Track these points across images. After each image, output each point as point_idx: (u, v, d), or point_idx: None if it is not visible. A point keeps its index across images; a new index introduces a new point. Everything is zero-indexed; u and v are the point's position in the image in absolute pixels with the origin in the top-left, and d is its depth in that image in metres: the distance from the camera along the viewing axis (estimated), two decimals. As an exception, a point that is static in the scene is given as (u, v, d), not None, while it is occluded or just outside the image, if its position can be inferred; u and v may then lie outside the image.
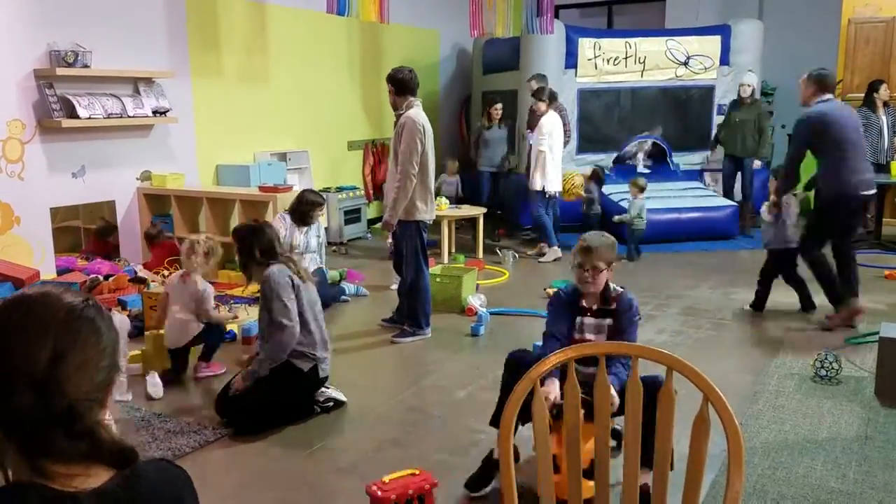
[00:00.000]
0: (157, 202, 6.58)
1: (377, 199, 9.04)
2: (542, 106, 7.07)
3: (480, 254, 7.44)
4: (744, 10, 10.15)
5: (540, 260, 7.28)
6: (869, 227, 8.06)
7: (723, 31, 8.82)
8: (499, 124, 8.56)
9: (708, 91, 8.87)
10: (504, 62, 9.07)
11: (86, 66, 5.75)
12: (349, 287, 6.04)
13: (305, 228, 5.77)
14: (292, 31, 7.79)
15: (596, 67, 8.59)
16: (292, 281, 3.68)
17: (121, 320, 4.39)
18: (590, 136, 8.67)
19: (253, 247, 3.76)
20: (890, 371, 3.87)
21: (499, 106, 8.44)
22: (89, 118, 5.75)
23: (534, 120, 7.36)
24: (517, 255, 7.37)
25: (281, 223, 5.67)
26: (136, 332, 4.76)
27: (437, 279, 5.68)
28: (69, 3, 5.74)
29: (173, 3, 6.56)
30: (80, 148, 5.96)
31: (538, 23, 7.52)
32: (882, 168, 7.94)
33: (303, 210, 5.73)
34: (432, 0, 9.82)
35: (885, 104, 7.99)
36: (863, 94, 8.08)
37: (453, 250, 7.49)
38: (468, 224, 7.99)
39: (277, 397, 3.59)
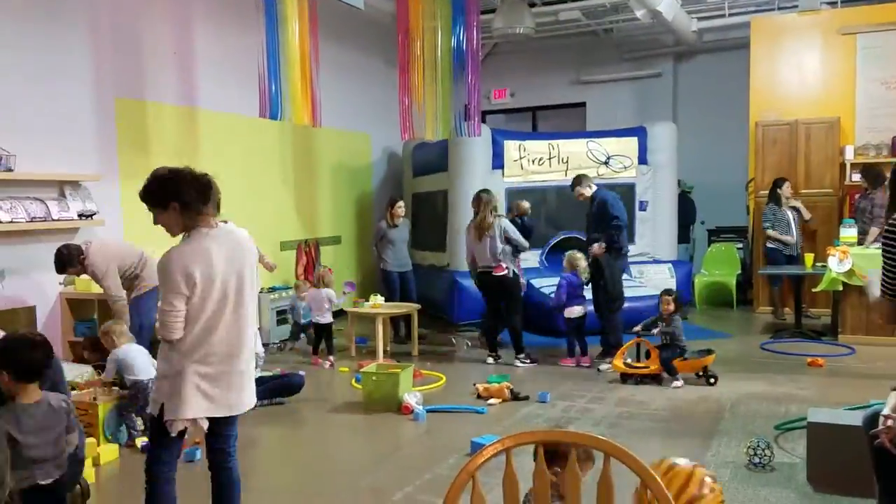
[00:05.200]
0: (80, 307, 6.37)
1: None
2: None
3: (416, 351, 7.40)
4: (658, 113, 10.81)
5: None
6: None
7: (638, 132, 9.30)
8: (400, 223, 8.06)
9: (629, 189, 9.25)
10: (433, 164, 9.32)
11: (9, 170, 5.64)
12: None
13: None
14: (224, 135, 7.85)
15: (522, 168, 8.91)
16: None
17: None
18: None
19: None
20: (820, 456, 3.94)
21: (401, 204, 8.05)
22: (11, 222, 5.60)
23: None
24: (469, 343, 7.45)
25: None
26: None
27: (373, 377, 5.61)
28: (-6, 106, 5.70)
29: (102, 107, 6.57)
30: (1, 252, 5.77)
31: (466, 127, 7.81)
32: (793, 259, 8.37)
33: None
34: (363, 105, 10.09)
35: (789, 200, 8.51)
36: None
37: (388, 348, 7.42)
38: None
39: None
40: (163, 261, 2.87)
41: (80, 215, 6.19)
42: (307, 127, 7.55)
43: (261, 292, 7.94)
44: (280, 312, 8.06)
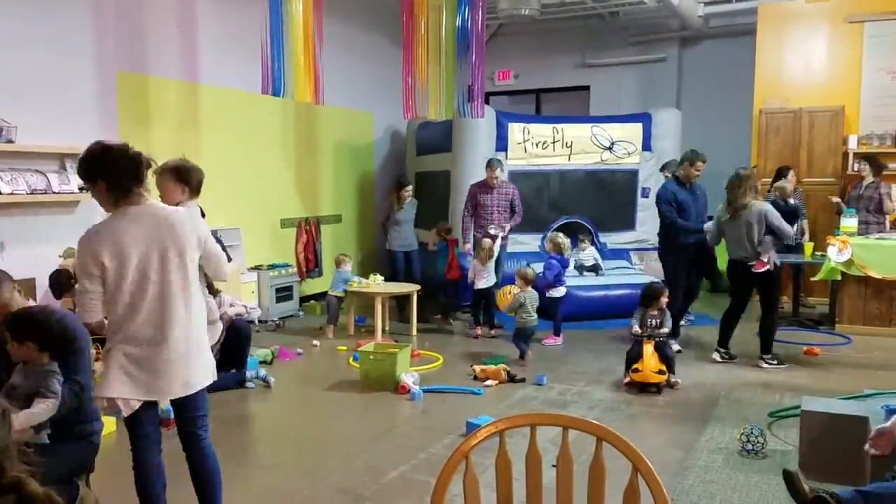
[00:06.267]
0: (79, 280, 6.37)
1: (309, 277, 8.99)
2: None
3: (414, 331, 7.42)
4: (662, 98, 10.76)
5: None
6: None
7: (644, 118, 9.26)
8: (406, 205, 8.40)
9: (632, 175, 9.23)
10: (437, 144, 9.29)
11: (10, 142, 5.63)
12: (251, 372, 5.68)
13: None
14: (226, 110, 7.81)
15: (525, 151, 8.88)
16: None
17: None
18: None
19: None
20: (813, 444, 3.96)
21: (409, 188, 8.44)
22: (11, 194, 5.60)
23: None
24: (468, 324, 7.60)
25: None
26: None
27: (371, 357, 5.63)
28: (-4, 77, 5.67)
29: (104, 80, 6.54)
30: (1, 224, 5.77)
31: (469, 108, 7.77)
32: (793, 249, 8.36)
33: None
34: (366, 83, 10.04)
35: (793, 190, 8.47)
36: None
37: (387, 328, 7.45)
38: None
39: None
40: (79, 241, 2.81)
41: (81, 188, 6.17)
42: (310, 104, 7.52)
43: (260, 269, 7.97)
44: (280, 290, 8.08)
